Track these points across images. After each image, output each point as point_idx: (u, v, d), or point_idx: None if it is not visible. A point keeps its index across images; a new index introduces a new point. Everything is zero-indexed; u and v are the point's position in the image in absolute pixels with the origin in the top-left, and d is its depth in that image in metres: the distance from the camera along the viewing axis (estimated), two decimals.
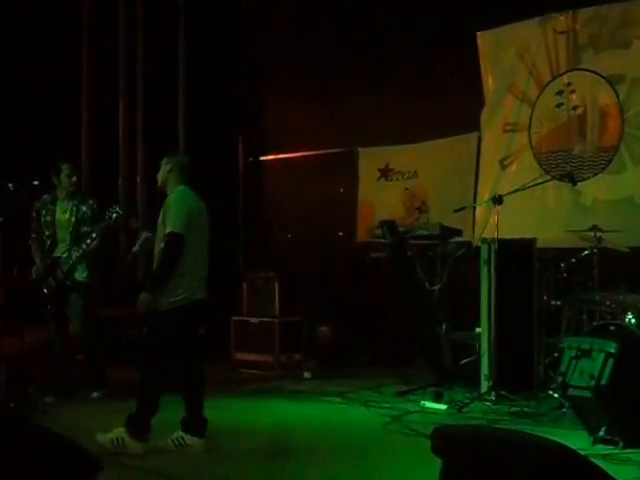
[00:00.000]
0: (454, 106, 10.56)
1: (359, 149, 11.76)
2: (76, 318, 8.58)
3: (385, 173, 11.50)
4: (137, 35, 12.52)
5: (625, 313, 7.43)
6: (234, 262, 12.26)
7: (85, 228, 8.53)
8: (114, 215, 8.31)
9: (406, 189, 11.20)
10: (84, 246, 8.45)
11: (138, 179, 12.43)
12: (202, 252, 6.79)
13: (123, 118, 12.48)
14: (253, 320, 10.64)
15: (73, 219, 8.59)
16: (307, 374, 10.14)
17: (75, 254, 8.48)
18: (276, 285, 10.50)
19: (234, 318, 10.79)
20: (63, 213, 8.64)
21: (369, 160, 11.66)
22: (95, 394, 8.59)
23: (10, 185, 8.00)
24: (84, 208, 8.61)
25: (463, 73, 10.57)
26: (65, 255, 8.54)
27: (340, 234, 11.68)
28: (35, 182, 8.51)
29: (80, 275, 8.57)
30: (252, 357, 10.52)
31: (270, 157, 12.70)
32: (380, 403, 8.32)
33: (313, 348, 10.77)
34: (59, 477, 3.45)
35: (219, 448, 6.69)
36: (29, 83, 11.25)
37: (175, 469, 6.20)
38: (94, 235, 8.42)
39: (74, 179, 8.68)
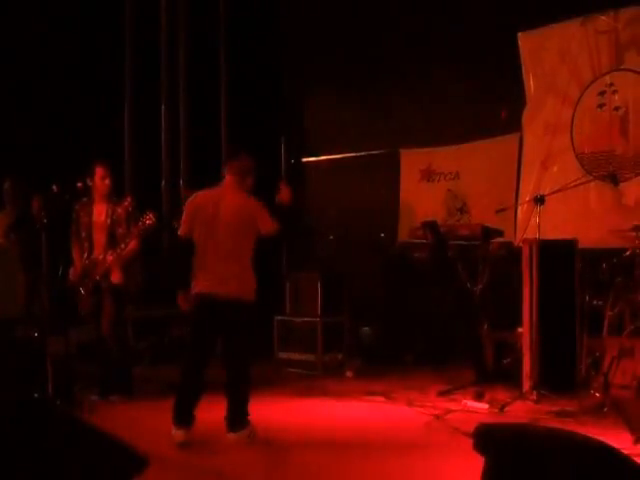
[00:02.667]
0: (497, 107, 10.56)
1: (401, 150, 11.79)
2: (107, 320, 8.60)
3: (427, 174, 11.53)
4: (179, 37, 12.62)
5: None
6: (277, 262, 12.32)
7: (120, 230, 8.62)
8: (148, 222, 8.32)
9: (448, 190, 11.23)
10: (118, 250, 8.54)
11: (181, 181, 12.52)
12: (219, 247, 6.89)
13: (165, 120, 12.57)
14: (296, 320, 10.71)
15: (108, 221, 8.63)
16: (349, 374, 10.19)
17: (110, 257, 8.58)
18: (318, 285, 10.55)
19: (277, 318, 10.87)
20: (99, 215, 8.70)
21: (411, 161, 11.69)
22: (114, 397, 8.48)
23: (54, 187, 8.11)
24: (119, 210, 8.66)
25: (505, 74, 10.57)
26: (101, 257, 8.62)
27: (382, 235, 11.72)
28: (79, 184, 8.61)
29: (115, 277, 8.61)
30: (295, 356, 10.59)
31: (312, 159, 12.76)
32: (423, 402, 8.36)
33: (355, 348, 10.83)
34: (106, 474, 3.52)
35: (271, 445, 6.79)
36: (73, 86, 11.37)
37: (226, 465, 6.30)
38: (128, 239, 8.51)
39: (106, 181, 8.68)
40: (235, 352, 6.96)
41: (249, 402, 6.91)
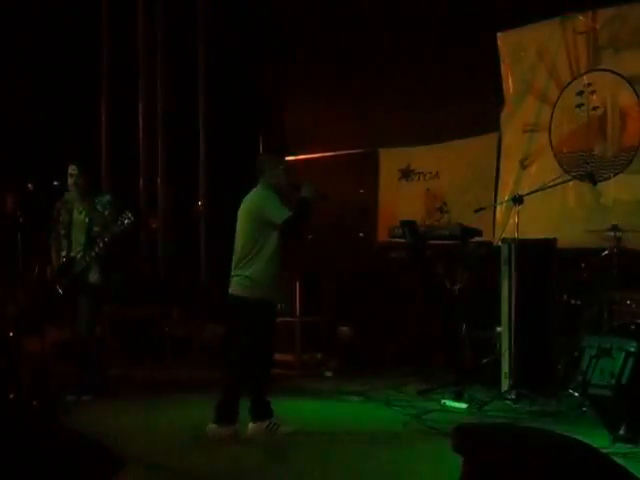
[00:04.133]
0: (474, 106, 10.58)
1: (380, 150, 11.77)
2: (81, 320, 8.54)
3: (406, 174, 11.51)
4: (157, 35, 12.56)
5: None
6: None
7: (97, 228, 8.56)
8: (126, 221, 8.29)
9: (427, 190, 11.23)
10: (97, 248, 8.48)
11: (159, 179, 12.47)
12: (236, 248, 7.10)
13: (143, 119, 12.52)
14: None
15: (87, 220, 8.60)
16: (328, 373, 10.18)
17: (88, 255, 8.52)
18: (297, 285, 10.53)
19: None
20: (79, 214, 8.65)
21: (390, 161, 11.67)
22: (88, 398, 8.40)
23: (30, 186, 8.06)
24: (99, 208, 8.62)
25: (483, 73, 10.57)
26: (79, 256, 8.57)
27: (361, 234, 11.70)
28: (55, 182, 8.56)
29: (92, 277, 8.57)
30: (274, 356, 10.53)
31: (290, 157, 12.71)
32: (401, 402, 8.35)
33: (334, 348, 10.80)
34: (82, 475, 3.49)
35: (248, 445, 6.78)
36: (48, 83, 11.31)
37: (202, 466, 6.27)
38: (106, 238, 8.45)
39: (79, 180, 8.61)
40: None
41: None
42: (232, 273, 7.08)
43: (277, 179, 7.16)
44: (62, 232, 8.69)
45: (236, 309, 7.09)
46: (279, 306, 7.49)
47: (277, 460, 6.51)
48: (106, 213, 8.55)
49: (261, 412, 7.04)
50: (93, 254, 8.46)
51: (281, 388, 8.98)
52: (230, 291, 7.08)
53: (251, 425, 7.03)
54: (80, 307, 8.56)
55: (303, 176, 12.42)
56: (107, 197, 8.80)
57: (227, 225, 11.87)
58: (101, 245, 8.43)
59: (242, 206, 7.17)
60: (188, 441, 6.92)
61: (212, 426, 6.92)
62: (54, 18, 11.43)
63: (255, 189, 7.17)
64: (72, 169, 8.63)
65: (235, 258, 7.08)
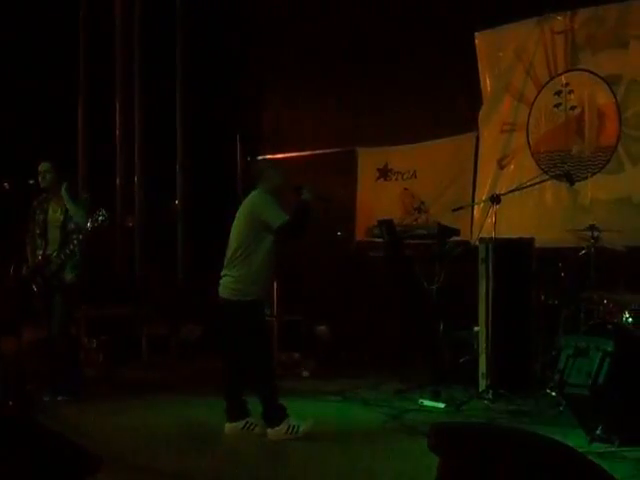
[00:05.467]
0: (452, 106, 10.59)
1: (358, 149, 11.76)
2: (55, 318, 8.50)
3: (384, 173, 11.49)
4: (134, 34, 12.50)
5: (622, 312, 7.45)
6: None
7: (72, 226, 8.51)
8: (100, 218, 8.25)
9: (405, 189, 11.22)
10: (71, 246, 8.43)
11: (136, 178, 12.42)
12: (229, 248, 7.15)
13: (120, 117, 12.47)
14: None
15: (62, 217, 8.55)
16: (306, 373, 10.15)
17: (63, 253, 8.47)
18: (274, 284, 10.49)
19: None
20: (54, 212, 8.61)
21: (368, 160, 11.65)
22: (63, 398, 8.35)
23: (5, 185, 8.01)
24: (74, 207, 8.55)
25: (461, 73, 10.58)
26: (55, 254, 8.53)
27: (339, 234, 11.67)
28: (30, 181, 8.52)
29: (67, 275, 8.53)
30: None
31: (268, 157, 12.69)
32: (379, 402, 8.35)
33: (312, 347, 10.78)
34: (58, 475, 3.46)
35: (221, 446, 6.78)
36: (26, 83, 11.24)
37: (168, 467, 6.24)
38: (80, 236, 8.40)
39: (47, 176, 8.56)
40: None
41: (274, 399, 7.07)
42: (222, 272, 7.10)
43: (275, 183, 7.17)
44: (38, 231, 8.64)
45: (225, 310, 7.12)
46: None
47: (249, 461, 6.48)
48: (83, 209, 8.50)
49: (235, 414, 7.09)
50: (68, 252, 8.41)
51: None
52: (220, 291, 7.10)
53: (228, 425, 7.08)
54: (54, 306, 8.51)
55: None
56: (84, 196, 8.77)
57: (204, 225, 11.97)
58: (75, 242, 8.38)
59: (240, 209, 7.19)
60: (169, 440, 6.92)
61: (227, 425, 7.10)
62: (32, 17, 11.35)
63: (253, 192, 7.19)
64: (41, 166, 8.60)
65: (227, 258, 7.10)
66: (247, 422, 7.09)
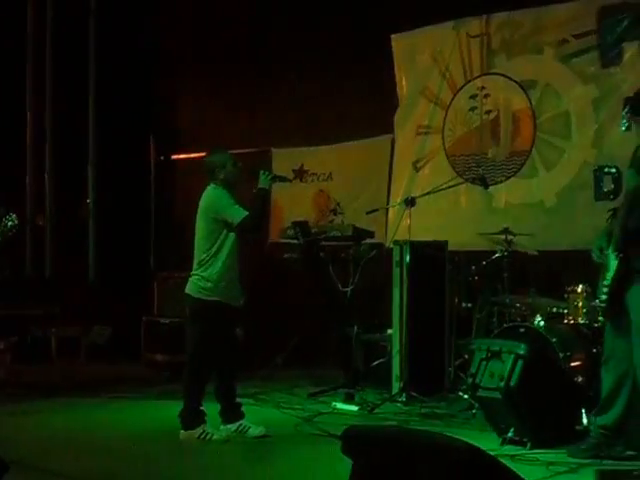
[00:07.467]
0: (369, 108, 10.59)
1: (273, 150, 11.69)
2: None
3: (299, 174, 11.44)
4: (46, 32, 12.29)
5: (534, 315, 7.49)
6: (145, 262, 12.14)
7: None
8: (9, 224, 8.09)
9: (321, 190, 11.20)
10: None
11: (46, 176, 12.22)
12: (195, 248, 7.09)
13: (31, 117, 12.26)
14: (163, 320, 10.49)
15: None
16: None
17: None
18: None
19: (144, 318, 10.64)
20: None
21: (283, 161, 11.57)
22: None
23: None
24: None
25: (378, 75, 10.58)
26: None
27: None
28: None
29: None
30: (163, 357, 10.35)
31: (182, 156, 12.57)
32: (292, 404, 8.29)
33: None
34: None
35: (126, 452, 6.65)
36: None
37: (71, 469, 6.11)
38: None
39: None
40: None
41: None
42: (192, 272, 7.02)
43: (228, 177, 7.05)
44: None
45: (191, 310, 7.06)
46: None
47: (160, 466, 6.36)
48: None
49: (190, 421, 6.93)
50: None
51: (171, 390, 8.82)
52: (186, 291, 7.02)
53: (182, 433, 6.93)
54: None
55: (197, 175, 12.38)
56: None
57: (116, 224, 11.81)
58: None
59: (199, 207, 7.09)
60: (78, 444, 6.81)
61: (182, 433, 6.88)
62: None
63: (208, 188, 7.07)
64: None
65: (195, 259, 7.03)
66: (240, 424, 7.02)
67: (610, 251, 6.06)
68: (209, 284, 6.88)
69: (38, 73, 12.26)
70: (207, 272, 6.90)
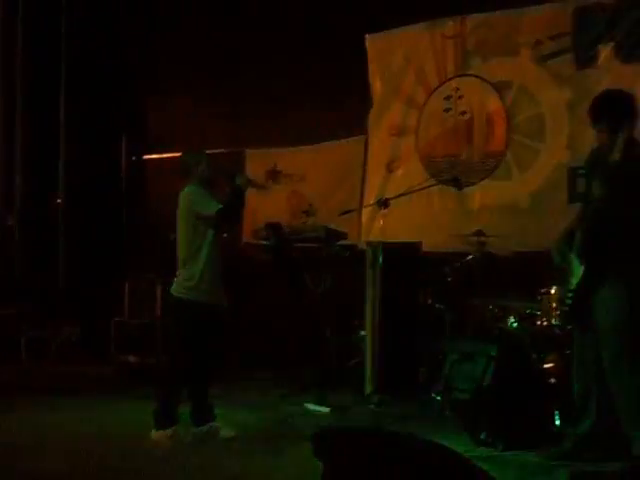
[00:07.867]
0: (342, 109, 10.56)
1: (246, 150, 11.65)
2: None
3: (272, 175, 11.40)
4: (17, 32, 12.21)
5: (507, 317, 7.50)
6: (116, 263, 12.05)
7: None
8: None
9: (294, 191, 11.17)
10: None
11: (17, 176, 12.14)
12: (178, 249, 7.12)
13: (2, 114, 12.20)
14: (134, 322, 10.42)
15: None
16: None
17: None
18: (158, 287, 10.31)
19: (114, 319, 10.57)
20: None
21: (256, 161, 11.54)
22: None
23: None
24: None
25: (352, 75, 10.55)
26: None
27: (225, 235, 11.51)
28: None
29: None
30: (133, 359, 10.29)
31: (154, 156, 12.51)
32: (264, 406, 8.27)
33: None
34: None
35: (95, 454, 6.58)
36: None
37: (37, 468, 6.09)
38: None
39: None
40: None
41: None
42: (177, 273, 7.06)
43: (204, 177, 7.07)
44: None
45: (175, 309, 7.10)
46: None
47: (127, 466, 6.30)
48: None
49: (200, 416, 7.02)
50: None
51: (142, 393, 8.76)
52: (171, 289, 7.07)
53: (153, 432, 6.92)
54: None
55: (169, 175, 12.32)
56: None
57: (86, 224, 11.73)
58: None
59: (178, 208, 7.11)
60: (46, 444, 6.78)
61: (154, 433, 6.87)
62: None
63: (185, 189, 7.07)
64: None
65: (179, 259, 7.06)
66: (211, 426, 7.02)
67: (574, 256, 6.04)
68: (190, 283, 6.91)
69: (8, 72, 12.19)
70: (189, 272, 6.94)
